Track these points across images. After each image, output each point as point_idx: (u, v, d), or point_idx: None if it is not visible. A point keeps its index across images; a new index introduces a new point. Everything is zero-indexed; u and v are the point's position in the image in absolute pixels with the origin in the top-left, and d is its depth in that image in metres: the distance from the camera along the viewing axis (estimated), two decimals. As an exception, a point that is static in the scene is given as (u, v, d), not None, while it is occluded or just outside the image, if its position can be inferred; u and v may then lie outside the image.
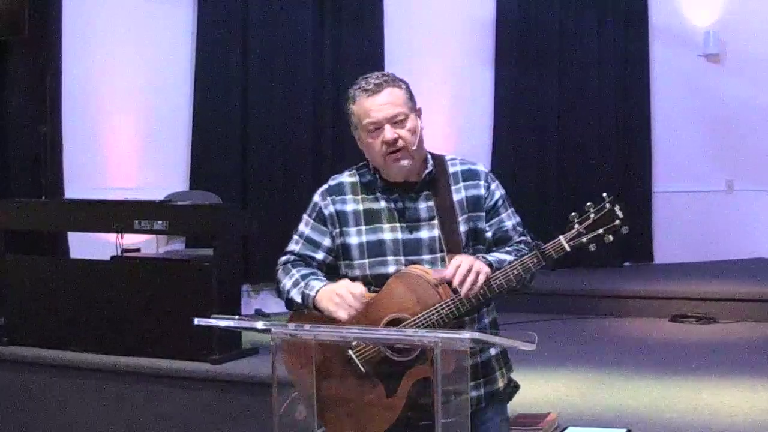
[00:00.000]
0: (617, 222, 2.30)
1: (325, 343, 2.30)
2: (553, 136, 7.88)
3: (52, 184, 5.95)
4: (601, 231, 2.30)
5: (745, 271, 7.51)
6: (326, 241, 2.51)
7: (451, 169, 2.51)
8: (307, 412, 2.33)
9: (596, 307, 6.57)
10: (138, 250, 5.78)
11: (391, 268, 2.41)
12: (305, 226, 2.54)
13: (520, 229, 2.52)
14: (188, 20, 6.66)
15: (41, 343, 5.05)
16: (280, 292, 2.52)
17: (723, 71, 8.21)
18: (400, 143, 2.40)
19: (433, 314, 2.30)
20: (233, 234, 5.02)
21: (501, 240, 2.50)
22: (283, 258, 2.55)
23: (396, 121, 2.40)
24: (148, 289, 4.92)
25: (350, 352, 2.35)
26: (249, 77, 6.74)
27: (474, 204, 2.48)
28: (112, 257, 5.25)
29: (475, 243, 2.47)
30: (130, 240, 5.52)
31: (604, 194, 2.33)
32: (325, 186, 2.56)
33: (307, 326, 2.23)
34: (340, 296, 2.30)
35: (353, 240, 2.47)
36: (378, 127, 2.40)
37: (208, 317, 2.34)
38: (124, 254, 5.28)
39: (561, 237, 2.30)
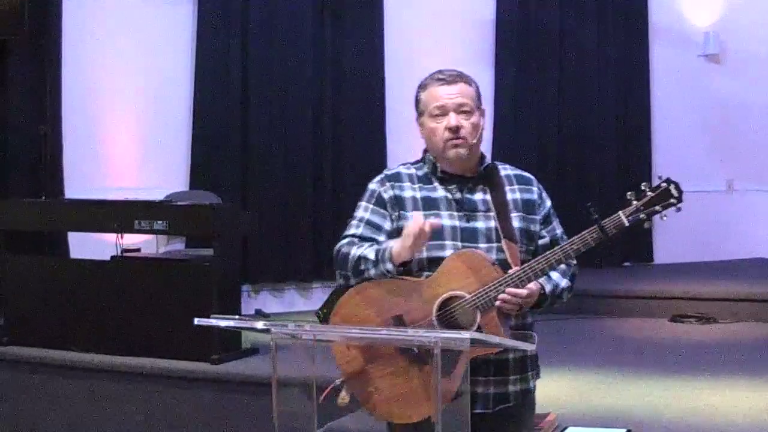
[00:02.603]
0: (673, 200, 2.41)
1: (377, 323, 2.35)
2: (553, 137, 7.88)
3: (52, 184, 5.95)
4: (657, 207, 2.39)
5: (745, 271, 7.51)
6: (387, 225, 2.52)
7: (503, 172, 2.59)
8: (350, 396, 2.34)
9: (596, 307, 6.55)
10: (138, 250, 5.77)
11: (448, 253, 2.43)
12: (365, 212, 2.55)
13: (565, 237, 2.58)
14: (188, 20, 6.66)
15: (41, 343, 5.05)
16: (343, 262, 2.48)
17: (723, 71, 8.20)
18: (462, 132, 2.47)
19: (491, 290, 2.33)
20: (233, 234, 5.02)
21: (551, 247, 2.52)
22: (344, 240, 2.53)
23: (461, 111, 2.48)
24: (148, 289, 4.92)
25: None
26: (249, 77, 6.73)
27: (527, 206, 2.55)
28: (112, 257, 5.26)
29: (528, 243, 2.51)
30: (130, 240, 5.51)
31: (660, 175, 2.39)
32: (382, 175, 2.60)
33: (307, 326, 2.23)
34: (406, 236, 2.33)
35: None
36: (444, 113, 2.48)
37: (208, 317, 2.35)
38: (124, 254, 5.28)
39: (620, 212, 2.37)
